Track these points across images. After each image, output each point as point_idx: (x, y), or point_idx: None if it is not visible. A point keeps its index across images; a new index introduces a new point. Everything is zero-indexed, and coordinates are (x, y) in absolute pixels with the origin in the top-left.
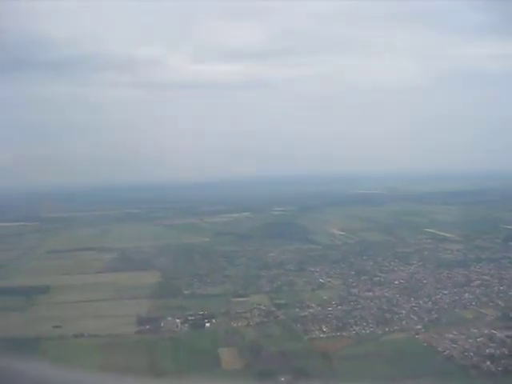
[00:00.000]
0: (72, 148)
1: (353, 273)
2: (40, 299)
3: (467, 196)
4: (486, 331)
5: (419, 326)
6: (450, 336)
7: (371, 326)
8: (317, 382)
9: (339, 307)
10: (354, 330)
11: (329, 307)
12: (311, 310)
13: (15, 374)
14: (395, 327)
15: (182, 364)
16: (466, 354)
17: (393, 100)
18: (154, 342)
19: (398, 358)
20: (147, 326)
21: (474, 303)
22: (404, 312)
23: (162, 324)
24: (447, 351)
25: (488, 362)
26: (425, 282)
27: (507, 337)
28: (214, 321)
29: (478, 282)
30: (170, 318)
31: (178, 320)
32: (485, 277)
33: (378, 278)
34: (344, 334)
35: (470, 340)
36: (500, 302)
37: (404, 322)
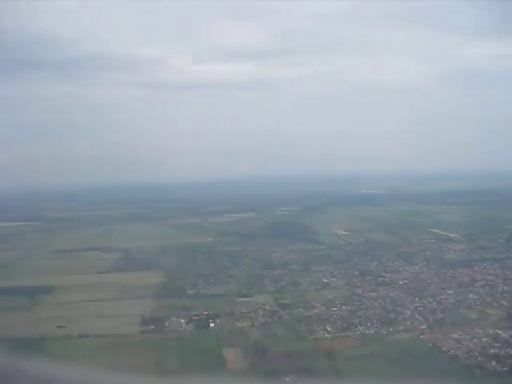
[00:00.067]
0: (72, 148)
1: (357, 273)
2: (44, 299)
3: (468, 196)
4: (490, 331)
5: (424, 326)
6: (455, 336)
7: (376, 326)
8: (322, 382)
9: (344, 307)
10: (359, 330)
11: (333, 307)
12: (315, 310)
13: (21, 373)
14: (400, 327)
15: (186, 364)
16: (470, 354)
17: (393, 100)
18: (158, 341)
19: (402, 358)
20: (151, 326)
21: (478, 303)
22: (408, 312)
23: (167, 324)
24: (452, 351)
25: (493, 362)
26: (429, 281)
27: None
28: (218, 321)
29: (482, 282)
30: (174, 318)
31: (182, 320)
32: (489, 277)
33: (383, 278)
34: (349, 334)
35: (475, 340)
36: (504, 302)
37: (409, 322)
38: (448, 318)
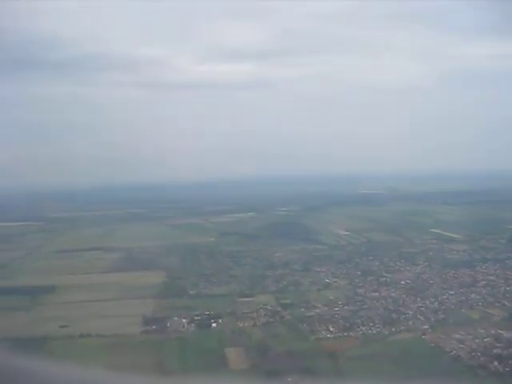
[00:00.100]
0: (72, 148)
1: (359, 273)
2: (46, 299)
3: (468, 196)
4: (492, 331)
5: (426, 326)
6: (457, 336)
7: (378, 326)
8: (324, 382)
9: (345, 307)
10: (361, 331)
11: (335, 307)
12: (317, 310)
13: (23, 373)
14: (402, 327)
15: (188, 364)
16: (473, 354)
17: (393, 100)
18: (160, 341)
19: (404, 358)
20: (153, 326)
21: (480, 303)
22: (411, 312)
23: (168, 324)
24: (454, 351)
25: (495, 362)
26: (431, 282)
27: None
28: (220, 321)
29: (484, 282)
30: (176, 318)
31: (184, 320)
32: (491, 277)
33: (384, 278)
34: (351, 334)
35: (477, 340)
36: (506, 303)
37: (411, 323)
38: (450, 318)
